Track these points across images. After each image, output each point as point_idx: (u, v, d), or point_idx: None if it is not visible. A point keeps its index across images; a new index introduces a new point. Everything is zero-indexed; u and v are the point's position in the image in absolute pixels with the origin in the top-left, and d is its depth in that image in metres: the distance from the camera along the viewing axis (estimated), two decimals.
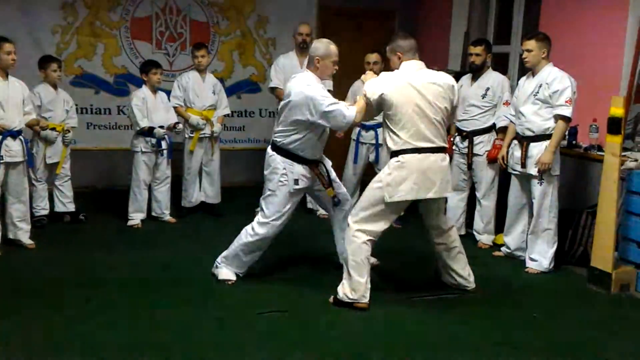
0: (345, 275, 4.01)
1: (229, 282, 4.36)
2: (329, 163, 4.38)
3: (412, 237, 5.28)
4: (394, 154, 3.96)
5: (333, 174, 4.39)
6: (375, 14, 7.84)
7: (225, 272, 4.40)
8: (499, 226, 5.35)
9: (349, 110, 4.00)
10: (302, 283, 4.42)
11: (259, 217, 4.28)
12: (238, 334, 3.62)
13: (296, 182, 4.20)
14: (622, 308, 4.21)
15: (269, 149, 4.30)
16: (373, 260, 4.32)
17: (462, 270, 4.31)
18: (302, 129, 4.10)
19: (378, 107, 4.00)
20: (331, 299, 4.06)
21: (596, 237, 4.53)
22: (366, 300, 3.97)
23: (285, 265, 4.65)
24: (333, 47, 4.16)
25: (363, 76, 4.28)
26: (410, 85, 3.92)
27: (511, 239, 5.07)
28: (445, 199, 4.39)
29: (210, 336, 3.56)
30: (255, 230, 4.26)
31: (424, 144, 3.92)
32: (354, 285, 3.96)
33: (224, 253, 4.39)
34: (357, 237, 3.97)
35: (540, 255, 4.80)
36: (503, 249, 5.16)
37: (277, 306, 3.98)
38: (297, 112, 4.04)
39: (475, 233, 5.53)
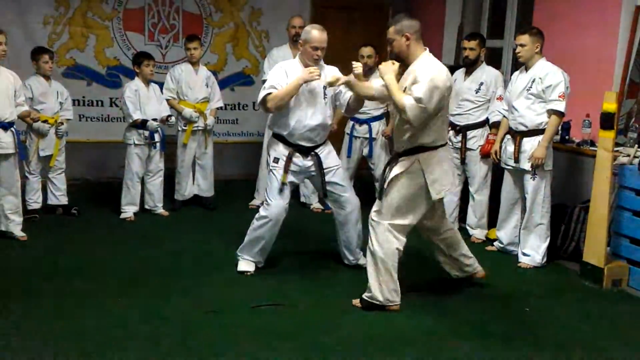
0: (375, 277, 3.84)
1: (247, 274, 4.41)
2: (328, 158, 4.36)
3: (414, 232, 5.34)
4: (427, 148, 3.77)
5: (333, 174, 4.37)
6: (368, 7, 7.82)
7: (244, 263, 4.46)
8: (492, 221, 5.36)
9: (264, 92, 4.17)
10: (297, 276, 4.43)
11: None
12: (231, 326, 3.61)
13: (276, 160, 4.28)
14: (613, 303, 4.23)
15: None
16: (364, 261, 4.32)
17: (468, 254, 4.26)
18: None
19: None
20: (357, 302, 3.93)
21: (588, 232, 4.55)
22: (399, 301, 3.89)
23: (279, 259, 4.64)
24: (315, 33, 4.16)
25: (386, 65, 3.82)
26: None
27: (504, 233, 5.09)
28: None
29: (203, 329, 3.56)
30: (260, 213, 4.36)
31: (446, 139, 3.93)
32: (388, 288, 3.85)
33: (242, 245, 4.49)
34: (393, 240, 3.81)
35: (533, 250, 4.82)
36: (496, 243, 5.18)
37: (271, 299, 3.98)
38: None
39: (468, 227, 5.53)
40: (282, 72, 4.25)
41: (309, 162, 4.32)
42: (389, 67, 3.76)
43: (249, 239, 4.41)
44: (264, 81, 6.11)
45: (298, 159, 4.30)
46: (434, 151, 3.79)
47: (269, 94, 4.18)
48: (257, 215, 4.38)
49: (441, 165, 3.82)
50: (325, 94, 4.28)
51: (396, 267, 3.86)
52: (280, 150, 4.31)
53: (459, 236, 4.25)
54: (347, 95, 4.34)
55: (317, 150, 4.32)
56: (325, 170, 4.33)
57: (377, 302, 3.86)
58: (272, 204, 4.30)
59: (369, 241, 3.87)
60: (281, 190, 4.28)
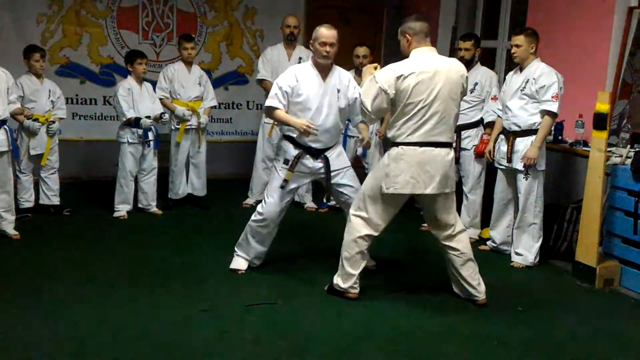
0: (339, 264, 4.01)
1: (239, 272, 4.41)
2: (337, 160, 4.31)
3: (408, 232, 5.40)
4: (395, 144, 3.80)
5: (342, 175, 4.32)
6: (363, 7, 7.83)
7: (238, 261, 4.47)
8: (485, 220, 5.38)
9: (272, 101, 4.19)
10: (291, 275, 4.43)
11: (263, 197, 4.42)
12: (226, 325, 3.61)
13: (286, 162, 4.23)
14: (606, 302, 4.26)
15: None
16: (371, 263, 4.31)
17: (472, 279, 4.04)
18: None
19: (386, 98, 3.71)
20: (326, 287, 4.10)
21: (581, 232, 4.57)
22: (355, 291, 4.00)
23: (273, 258, 4.62)
24: (322, 30, 4.17)
25: (366, 68, 3.99)
26: (426, 73, 3.68)
27: (497, 233, 5.11)
28: (454, 198, 4.09)
29: (197, 328, 3.55)
30: (258, 209, 4.36)
31: (428, 138, 3.74)
32: (345, 277, 3.99)
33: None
34: (354, 228, 3.93)
35: (526, 250, 4.84)
36: (489, 243, 5.19)
37: (266, 298, 3.99)
38: None
39: None
40: (292, 76, 4.19)
41: (318, 164, 4.28)
42: (369, 70, 3.91)
43: (244, 235, 4.43)
44: (259, 80, 6.18)
45: (308, 161, 4.26)
46: (398, 147, 3.79)
47: (277, 108, 4.18)
48: (254, 213, 4.39)
49: (401, 162, 3.77)
50: (338, 97, 4.24)
51: (356, 258, 3.94)
52: (290, 152, 4.25)
53: (463, 257, 4.04)
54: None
55: (326, 153, 4.28)
56: (333, 173, 4.28)
57: (338, 289, 4.01)
58: (268, 202, 4.29)
59: None
60: (282, 188, 4.25)
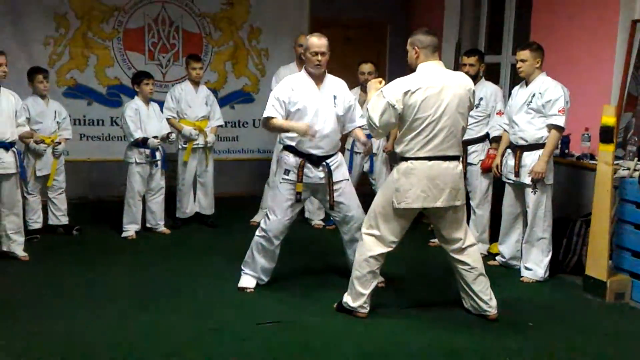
0: (350, 282, 4.00)
1: (247, 290, 4.41)
2: (337, 171, 4.30)
3: (417, 248, 5.41)
4: (404, 159, 3.80)
5: (339, 193, 4.31)
6: (366, 25, 7.88)
7: (245, 279, 4.47)
8: (494, 235, 5.36)
9: (267, 112, 4.20)
10: (299, 292, 4.42)
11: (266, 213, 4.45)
12: (235, 345, 3.60)
13: (286, 172, 4.24)
14: (617, 316, 4.23)
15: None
16: (380, 280, 4.25)
17: (483, 294, 4.01)
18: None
19: (394, 113, 3.69)
20: (335, 305, 4.09)
21: (590, 245, 4.55)
22: (365, 311, 3.99)
23: (282, 275, 4.62)
24: (313, 39, 4.22)
25: (371, 83, 4.01)
26: (433, 88, 3.69)
27: (506, 247, 5.09)
28: (465, 212, 4.03)
29: (207, 348, 3.54)
30: (261, 225, 4.38)
31: (437, 152, 3.74)
32: (355, 296, 3.97)
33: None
34: (366, 247, 3.90)
35: (535, 264, 4.81)
36: (498, 258, 5.18)
37: (274, 316, 3.98)
38: None
39: None
40: (288, 87, 4.24)
41: (320, 174, 4.27)
42: (375, 85, 3.93)
43: (250, 253, 4.44)
44: None
45: (309, 170, 4.24)
46: (408, 162, 3.78)
47: (272, 118, 4.20)
48: (258, 229, 4.41)
49: (411, 177, 3.76)
50: (335, 104, 4.27)
51: (367, 278, 3.92)
52: (291, 162, 4.26)
53: (474, 272, 4.00)
54: (357, 114, 4.37)
55: (328, 161, 4.28)
56: (335, 186, 4.27)
57: (347, 307, 4.00)
58: (272, 218, 4.31)
59: None
60: (298, 201, 4.25)
